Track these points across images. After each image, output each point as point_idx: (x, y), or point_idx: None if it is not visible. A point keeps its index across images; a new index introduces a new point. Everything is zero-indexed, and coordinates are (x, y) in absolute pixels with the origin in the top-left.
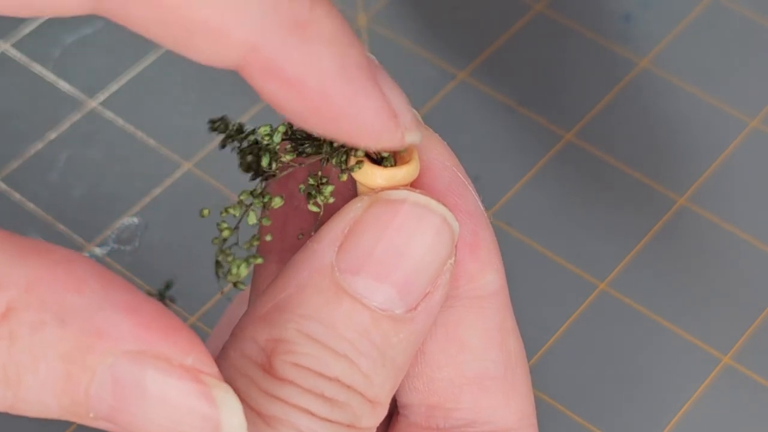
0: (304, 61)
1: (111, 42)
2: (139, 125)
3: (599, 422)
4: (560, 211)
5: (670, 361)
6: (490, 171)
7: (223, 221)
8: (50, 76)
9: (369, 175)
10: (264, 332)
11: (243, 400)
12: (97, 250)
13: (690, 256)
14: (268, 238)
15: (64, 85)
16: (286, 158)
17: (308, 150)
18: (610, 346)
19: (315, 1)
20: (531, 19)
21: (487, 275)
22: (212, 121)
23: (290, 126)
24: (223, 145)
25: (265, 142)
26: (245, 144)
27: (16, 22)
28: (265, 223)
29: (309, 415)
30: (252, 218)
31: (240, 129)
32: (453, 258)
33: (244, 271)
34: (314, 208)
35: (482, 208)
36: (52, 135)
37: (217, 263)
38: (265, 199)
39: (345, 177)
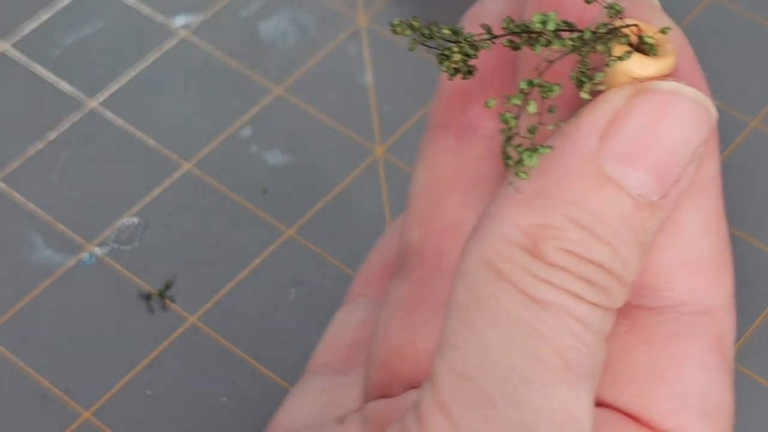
0: None
1: (111, 42)
2: (139, 125)
3: None
4: None
5: None
6: None
7: (507, 111)
8: (50, 76)
9: (639, 65)
10: (527, 216)
11: (513, 284)
12: (97, 250)
13: None
14: (549, 127)
15: (64, 85)
16: (556, 44)
17: (570, 40)
18: None
19: None
20: None
21: (709, 161)
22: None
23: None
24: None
25: (538, 29)
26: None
27: (16, 22)
28: (552, 111)
29: (580, 300)
30: (532, 107)
31: (455, 30)
32: (704, 146)
33: (535, 160)
34: (586, 95)
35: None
36: (52, 135)
37: (505, 154)
38: (545, 87)
39: (614, 64)
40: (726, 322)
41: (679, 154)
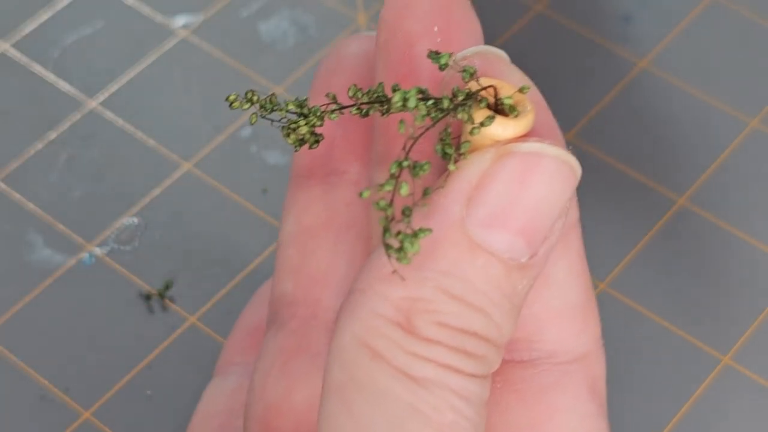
0: None
1: (111, 42)
2: (139, 125)
3: None
4: None
5: (669, 361)
6: None
7: (381, 199)
8: (50, 76)
9: (500, 128)
10: (398, 289)
11: (388, 362)
12: (97, 250)
13: (690, 256)
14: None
15: (64, 85)
16: (419, 121)
17: (428, 109)
18: (609, 346)
19: None
20: (531, 19)
21: (570, 209)
22: (241, 97)
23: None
24: (261, 116)
25: (398, 107)
26: (294, 117)
27: (16, 22)
28: (427, 194)
29: (459, 373)
30: (405, 189)
31: (301, 104)
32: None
33: (417, 246)
34: (453, 167)
35: (565, 145)
36: (52, 135)
37: (386, 245)
38: (416, 167)
39: (477, 132)
40: (597, 365)
41: (546, 213)
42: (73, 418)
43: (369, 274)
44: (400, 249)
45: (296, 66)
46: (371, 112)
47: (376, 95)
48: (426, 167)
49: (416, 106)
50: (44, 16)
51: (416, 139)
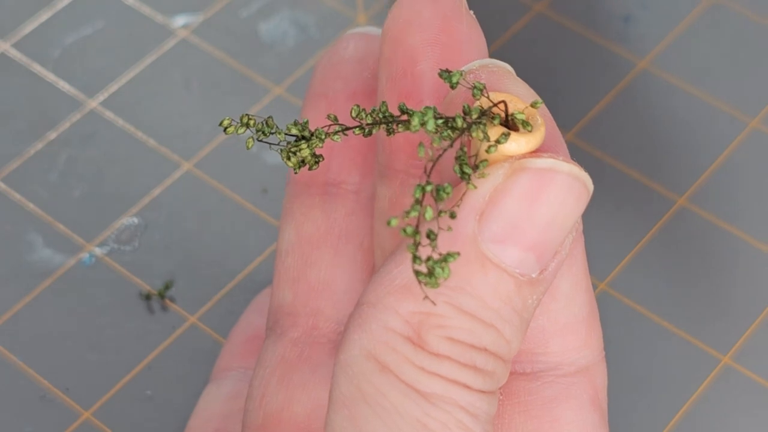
0: None
1: (111, 42)
2: (139, 125)
3: None
4: None
5: (669, 361)
6: None
7: (407, 225)
8: (50, 76)
9: (514, 144)
10: (408, 304)
11: (398, 377)
12: (97, 250)
13: (690, 256)
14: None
15: (64, 85)
16: (437, 142)
17: (441, 129)
18: (609, 346)
19: None
20: (531, 19)
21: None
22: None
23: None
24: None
25: (416, 130)
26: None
27: (16, 22)
28: (453, 217)
29: (467, 390)
30: (429, 213)
31: (302, 127)
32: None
33: (447, 271)
34: (473, 187)
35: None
36: (52, 135)
37: (417, 272)
38: (439, 191)
39: (494, 150)
40: (600, 376)
41: (558, 229)
42: (73, 418)
43: (379, 288)
44: (431, 275)
45: (296, 66)
46: (375, 131)
47: (381, 115)
48: (449, 190)
49: (433, 128)
50: (44, 16)
51: (436, 161)
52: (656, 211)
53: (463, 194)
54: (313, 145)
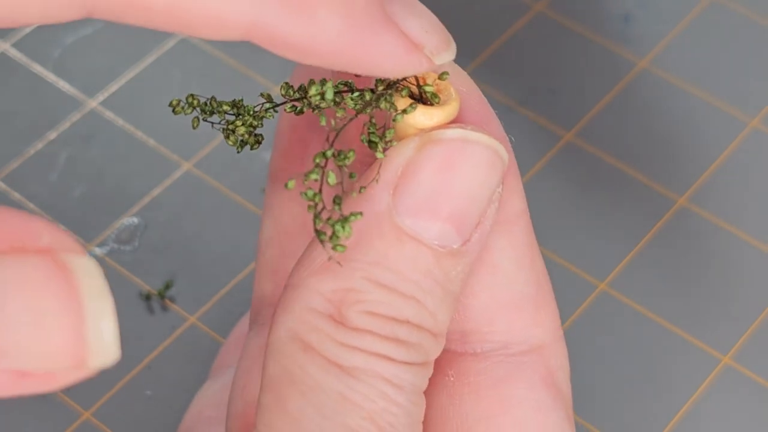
0: (306, 29)
1: (111, 42)
2: (139, 125)
3: (599, 422)
4: (560, 211)
5: (669, 361)
6: None
7: (309, 188)
8: (50, 76)
9: (423, 116)
10: (328, 282)
11: (320, 354)
12: (97, 250)
13: (690, 256)
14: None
15: (64, 85)
16: (339, 113)
17: (352, 101)
18: (609, 346)
19: None
20: (531, 19)
21: (513, 199)
22: (182, 102)
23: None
24: (202, 120)
25: (316, 103)
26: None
27: None
28: (353, 177)
29: (390, 361)
30: (332, 178)
31: (235, 104)
32: (501, 186)
33: (348, 229)
34: (381, 155)
35: (504, 133)
36: (52, 135)
37: (318, 232)
38: (340, 156)
39: (401, 119)
40: (555, 356)
41: (474, 199)
42: (73, 418)
43: (301, 269)
44: (333, 235)
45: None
46: (305, 110)
47: (306, 93)
48: (351, 155)
49: (333, 99)
50: None
51: (339, 131)
52: (656, 211)
53: (379, 167)
54: (248, 123)
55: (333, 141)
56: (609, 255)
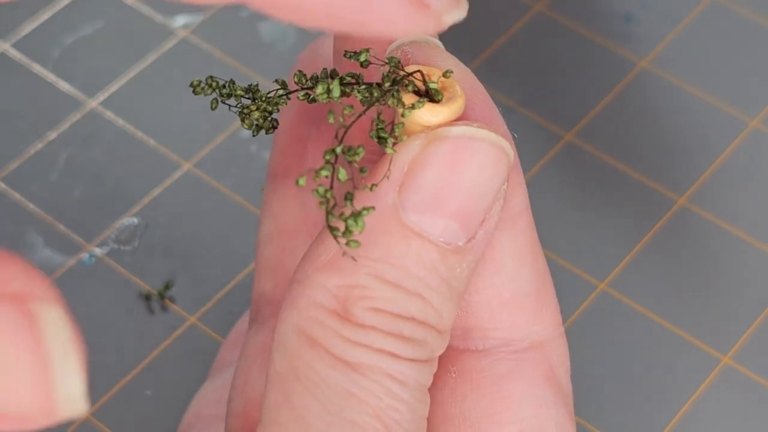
0: None
1: (111, 42)
2: (139, 125)
3: (599, 422)
4: (560, 211)
5: (669, 361)
6: None
7: (319, 185)
8: (50, 76)
9: (428, 113)
10: (333, 279)
11: (326, 350)
12: (97, 250)
13: (690, 256)
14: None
15: (64, 85)
16: (347, 110)
17: (359, 93)
18: (609, 346)
19: None
20: (531, 19)
21: (515, 196)
22: (198, 84)
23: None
24: (219, 103)
25: (323, 98)
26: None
27: (16, 22)
28: (364, 172)
29: (395, 358)
30: (342, 174)
31: (250, 89)
32: (506, 184)
33: (361, 224)
34: (391, 151)
35: (508, 131)
36: (52, 135)
37: (331, 228)
38: (350, 152)
39: (409, 114)
40: (556, 353)
41: (479, 197)
42: (73, 419)
43: (307, 265)
44: (346, 230)
45: None
46: (318, 99)
47: (318, 81)
48: (360, 151)
49: (341, 96)
50: (44, 16)
51: (348, 128)
52: (656, 211)
53: (390, 162)
54: (262, 108)
55: (342, 137)
56: (609, 255)
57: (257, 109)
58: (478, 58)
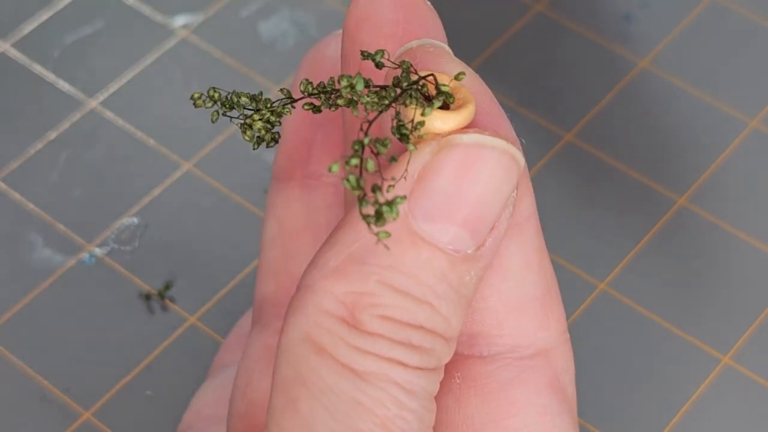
0: None
1: (111, 42)
2: (139, 125)
3: (599, 422)
4: (560, 211)
5: (669, 361)
6: None
7: (350, 174)
8: (50, 76)
9: (439, 120)
10: (341, 285)
11: (333, 357)
12: (97, 250)
13: (690, 256)
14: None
15: (64, 85)
16: (370, 108)
17: (379, 97)
18: (609, 347)
19: None
20: (531, 19)
21: (523, 201)
22: (199, 98)
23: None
24: (222, 114)
25: (349, 96)
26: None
27: (16, 22)
28: (394, 161)
29: (403, 367)
30: (371, 165)
31: (254, 98)
32: (515, 191)
33: (396, 211)
34: (413, 147)
35: (516, 136)
36: (52, 135)
37: (364, 216)
38: (377, 143)
39: (429, 112)
40: (561, 359)
41: (489, 204)
42: (73, 418)
43: (314, 270)
44: (380, 217)
45: (296, 66)
46: (323, 108)
47: (325, 89)
48: (387, 142)
49: (361, 91)
50: (44, 16)
51: (372, 121)
52: (656, 211)
53: (408, 162)
54: (265, 117)
55: (367, 130)
56: (609, 255)
57: (260, 119)
58: (478, 58)
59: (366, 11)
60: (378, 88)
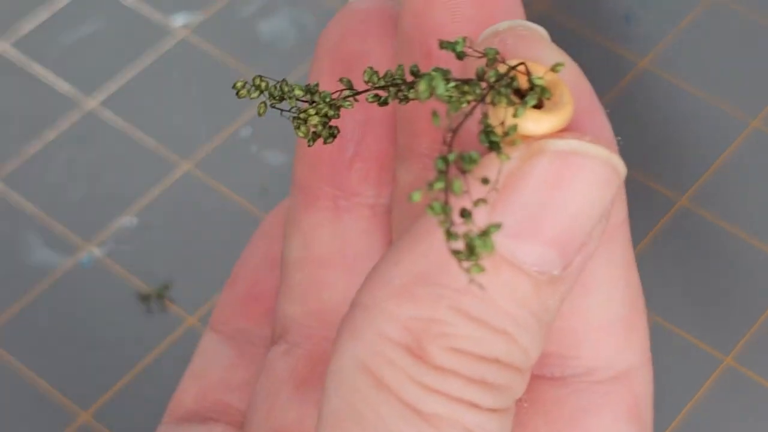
0: None
1: (111, 42)
2: (139, 125)
3: None
4: None
5: (671, 361)
6: None
7: (435, 201)
8: (49, 76)
9: (531, 122)
10: (408, 308)
11: (395, 394)
12: (96, 251)
13: (690, 256)
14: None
15: (63, 85)
16: (454, 109)
17: (462, 94)
18: None
19: None
20: (531, 19)
21: (616, 207)
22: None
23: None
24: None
25: (425, 97)
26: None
27: (15, 22)
28: (486, 184)
29: (475, 409)
30: (458, 186)
31: (309, 89)
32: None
33: (490, 245)
34: (505, 158)
35: (613, 137)
36: (51, 135)
37: (455, 252)
38: (465, 159)
39: (522, 113)
40: (642, 382)
41: (583, 221)
42: (73, 419)
43: (374, 288)
44: (471, 252)
45: (296, 66)
46: (390, 101)
47: (395, 79)
48: (476, 157)
49: (444, 93)
50: (43, 15)
51: (457, 129)
52: (656, 211)
53: (498, 173)
54: (322, 112)
55: (451, 143)
56: None
57: (317, 113)
58: None
59: None
60: (458, 82)
